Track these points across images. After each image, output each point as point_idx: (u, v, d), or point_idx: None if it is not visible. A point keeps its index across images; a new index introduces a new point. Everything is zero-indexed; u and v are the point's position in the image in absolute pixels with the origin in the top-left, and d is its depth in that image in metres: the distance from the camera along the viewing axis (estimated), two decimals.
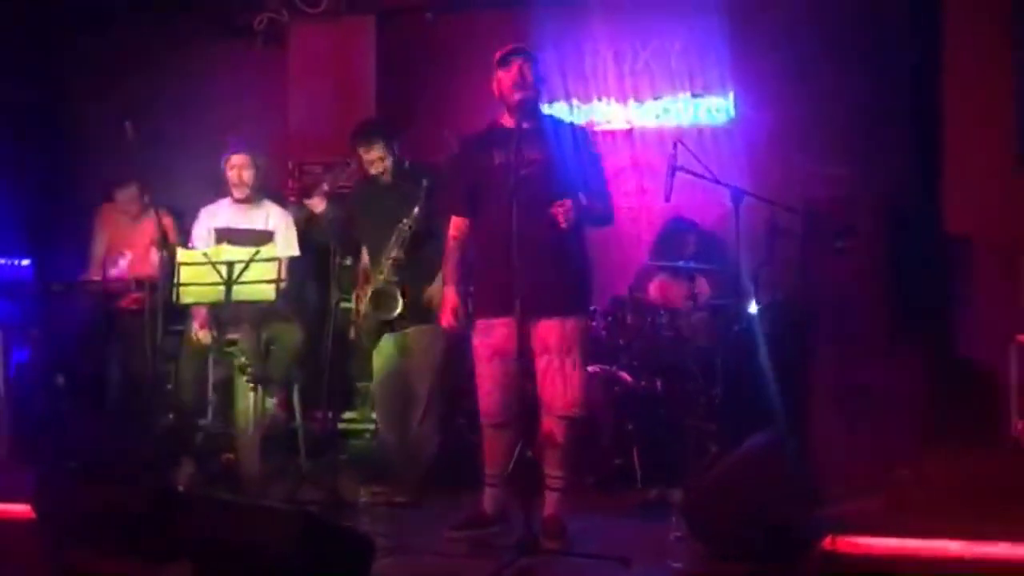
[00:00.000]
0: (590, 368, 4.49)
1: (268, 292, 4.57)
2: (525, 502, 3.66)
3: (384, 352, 4.88)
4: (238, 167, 5.09)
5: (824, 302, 5.18)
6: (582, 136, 4.16)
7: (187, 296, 4.61)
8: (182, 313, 4.95)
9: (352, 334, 5.00)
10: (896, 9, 5.77)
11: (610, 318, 5.32)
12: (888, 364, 4.90)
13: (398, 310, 4.73)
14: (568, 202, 3.83)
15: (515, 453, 3.91)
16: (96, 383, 5.46)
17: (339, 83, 6.40)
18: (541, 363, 3.94)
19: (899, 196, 5.44)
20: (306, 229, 5.21)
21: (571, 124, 4.27)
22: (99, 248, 5.64)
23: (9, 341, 5.50)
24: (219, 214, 5.15)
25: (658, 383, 5.25)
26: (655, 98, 6.21)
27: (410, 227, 4.70)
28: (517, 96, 3.94)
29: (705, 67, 6.09)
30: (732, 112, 6.08)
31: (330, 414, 5.38)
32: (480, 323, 4.03)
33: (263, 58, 6.62)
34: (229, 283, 4.51)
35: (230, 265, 4.52)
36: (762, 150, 5.86)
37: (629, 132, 6.24)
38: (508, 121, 4.02)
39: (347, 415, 5.83)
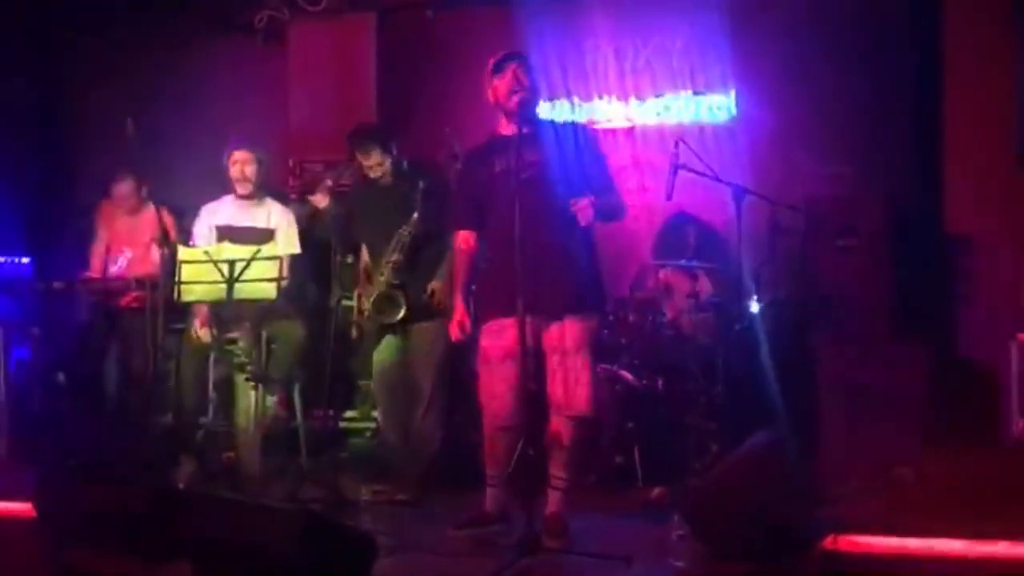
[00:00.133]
0: None
1: (269, 290, 4.56)
2: (527, 501, 3.66)
3: (385, 347, 4.87)
4: (241, 163, 5.05)
5: (825, 301, 5.18)
6: (583, 134, 4.13)
7: (188, 294, 4.59)
8: (183, 311, 4.94)
9: (353, 333, 5.00)
10: (897, 9, 5.77)
11: (611, 317, 5.31)
12: (889, 363, 4.90)
13: (401, 314, 4.74)
14: (585, 199, 3.81)
15: (517, 453, 3.91)
16: (96, 382, 5.46)
17: (340, 81, 6.38)
18: (551, 363, 3.91)
19: (900, 195, 5.44)
20: (308, 226, 5.20)
21: (572, 123, 4.26)
22: (99, 246, 5.62)
23: (9, 340, 5.52)
24: (220, 212, 5.12)
25: (659, 382, 5.25)
26: (656, 96, 6.17)
27: (409, 232, 4.71)
28: (515, 100, 3.92)
29: (707, 65, 6.06)
30: (734, 110, 6.05)
31: (331, 412, 5.38)
32: (491, 324, 3.98)
33: (263, 56, 6.61)
34: (230, 281, 4.49)
35: (231, 263, 4.50)
36: (764, 148, 5.84)
37: (630, 130, 6.20)
38: (506, 129, 4.01)
39: (348, 413, 5.82)
